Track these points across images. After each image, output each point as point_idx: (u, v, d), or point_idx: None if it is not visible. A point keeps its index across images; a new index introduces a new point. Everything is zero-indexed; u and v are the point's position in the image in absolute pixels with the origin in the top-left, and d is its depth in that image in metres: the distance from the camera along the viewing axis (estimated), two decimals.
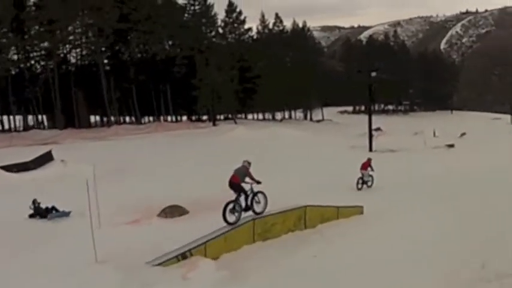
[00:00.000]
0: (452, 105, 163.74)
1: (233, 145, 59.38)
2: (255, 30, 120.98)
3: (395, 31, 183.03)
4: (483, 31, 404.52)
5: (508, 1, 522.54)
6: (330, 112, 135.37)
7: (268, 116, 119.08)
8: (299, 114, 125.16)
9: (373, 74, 65.09)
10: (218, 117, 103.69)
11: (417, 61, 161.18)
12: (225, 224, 19.99)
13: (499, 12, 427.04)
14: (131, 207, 28.13)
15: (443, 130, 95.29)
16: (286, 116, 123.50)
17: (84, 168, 34.10)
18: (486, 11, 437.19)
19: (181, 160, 48.44)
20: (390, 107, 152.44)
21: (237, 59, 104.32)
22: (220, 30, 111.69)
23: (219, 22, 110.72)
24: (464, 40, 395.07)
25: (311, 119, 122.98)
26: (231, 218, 19.51)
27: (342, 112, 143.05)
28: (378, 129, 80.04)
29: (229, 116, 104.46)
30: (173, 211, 27.50)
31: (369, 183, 33.53)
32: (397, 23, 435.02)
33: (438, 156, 57.27)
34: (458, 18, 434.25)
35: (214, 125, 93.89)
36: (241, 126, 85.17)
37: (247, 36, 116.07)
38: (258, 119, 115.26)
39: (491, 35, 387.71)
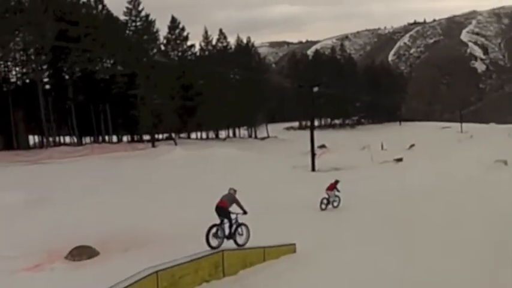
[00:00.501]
0: (400, 116, 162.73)
1: (167, 169, 56.69)
2: (198, 47, 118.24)
3: (341, 44, 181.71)
4: (431, 41, 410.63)
5: (455, 10, 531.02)
6: (276, 128, 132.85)
7: (212, 134, 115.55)
8: (243, 131, 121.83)
9: (315, 89, 62.16)
10: (161, 136, 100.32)
11: (364, 74, 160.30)
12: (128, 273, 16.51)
13: (446, 21, 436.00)
14: (39, 247, 24.55)
15: (392, 142, 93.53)
16: (231, 134, 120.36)
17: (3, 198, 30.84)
18: (434, 20, 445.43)
19: (109, 186, 44.54)
20: (337, 122, 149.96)
21: (179, 77, 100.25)
22: (163, 47, 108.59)
23: (162, 39, 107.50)
24: (412, 51, 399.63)
25: (255, 137, 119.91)
26: (214, 242, 18.79)
27: (288, 128, 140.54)
28: (322, 146, 77.48)
29: (171, 135, 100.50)
30: (81, 253, 23.91)
31: (335, 204, 33.38)
32: (345, 37, 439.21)
33: (385, 173, 54.70)
34: (406, 29, 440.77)
35: (153, 146, 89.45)
36: (179, 147, 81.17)
37: (190, 53, 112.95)
38: (201, 138, 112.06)
39: (439, 45, 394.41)
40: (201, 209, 29.30)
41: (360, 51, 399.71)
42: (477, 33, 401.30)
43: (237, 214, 19.66)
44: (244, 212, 19.63)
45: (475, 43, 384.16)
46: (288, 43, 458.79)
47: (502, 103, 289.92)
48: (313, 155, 58.16)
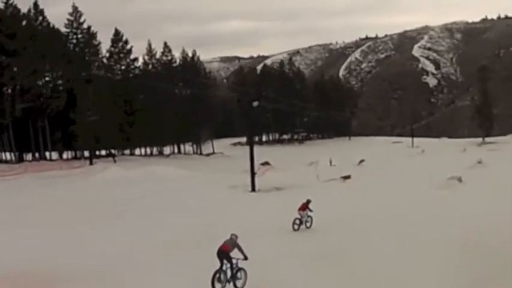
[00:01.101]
0: (350, 131, 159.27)
1: (98, 191, 51.78)
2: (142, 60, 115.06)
3: (290, 58, 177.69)
4: (383, 56, 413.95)
5: (407, 26, 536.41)
6: (223, 144, 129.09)
7: (156, 151, 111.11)
8: (189, 148, 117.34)
9: (255, 103, 57.02)
10: (103, 153, 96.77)
11: (313, 88, 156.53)
12: None
13: (398, 36, 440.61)
14: None
15: (341, 158, 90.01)
16: (177, 150, 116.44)
17: None
18: (386, 36, 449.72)
19: (32, 211, 39.80)
20: (286, 137, 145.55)
21: (121, 92, 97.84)
22: (105, 61, 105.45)
23: (104, 52, 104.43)
24: (363, 66, 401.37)
25: (200, 153, 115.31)
26: (218, 286, 19.11)
27: (235, 144, 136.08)
28: (266, 163, 72.57)
29: (112, 152, 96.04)
30: None
31: (308, 224, 31.87)
32: (297, 52, 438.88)
33: (330, 193, 50.33)
34: (357, 44, 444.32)
35: (91, 163, 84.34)
36: (115, 166, 76.41)
37: (133, 67, 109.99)
38: (145, 155, 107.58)
39: (390, 60, 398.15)
40: (123, 239, 28.19)
41: (311, 66, 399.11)
42: (429, 48, 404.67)
43: (237, 259, 19.81)
44: (245, 258, 19.81)
45: (427, 58, 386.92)
46: (239, 58, 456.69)
47: (454, 117, 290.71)
48: (253, 174, 53.18)
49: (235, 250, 19.77)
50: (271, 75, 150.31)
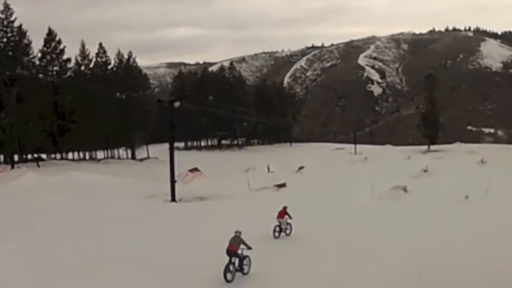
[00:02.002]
0: (291, 137, 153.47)
1: (7, 200, 45.50)
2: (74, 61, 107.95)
3: (231, 63, 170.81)
4: (328, 64, 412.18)
5: (354, 36, 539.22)
6: (160, 149, 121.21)
7: (88, 155, 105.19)
8: (123, 152, 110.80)
9: (177, 104, 50.63)
10: (29, 157, 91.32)
11: (255, 94, 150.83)
12: None
13: (345, 45, 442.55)
14: None
15: (280, 165, 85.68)
16: (110, 154, 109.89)
17: None
18: (332, 45, 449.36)
19: None
20: (225, 142, 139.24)
21: (51, 93, 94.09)
22: (37, 61, 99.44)
23: (36, 52, 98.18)
24: (308, 74, 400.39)
25: (134, 158, 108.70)
26: (229, 277, 21.24)
27: None
28: (194, 169, 65.91)
29: (35, 156, 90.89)
30: None
31: (287, 232, 30.87)
32: (242, 59, 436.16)
33: (258, 203, 44.79)
34: (303, 52, 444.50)
35: (12, 167, 79.23)
36: (35, 171, 69.87)
37: (66, 67, 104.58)
38: (75, 159, 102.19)
39: (336, 68, 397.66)
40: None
41: (257, 73, 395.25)
42: (375, 58, 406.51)
43: (242, 249, 21.98)
44: (249, 248, 22.12)
45: (373, 67, 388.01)
46: (185, 64, 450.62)
47: (398, 126, 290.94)
48: (173, 182, 46.78)
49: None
50: (211, 80, 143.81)
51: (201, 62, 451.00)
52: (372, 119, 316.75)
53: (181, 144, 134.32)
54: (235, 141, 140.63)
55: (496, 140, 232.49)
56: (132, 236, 29.61)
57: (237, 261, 21.80)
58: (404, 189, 52.17)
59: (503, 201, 43.50)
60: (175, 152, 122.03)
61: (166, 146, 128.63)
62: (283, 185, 56.89)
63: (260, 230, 29.05)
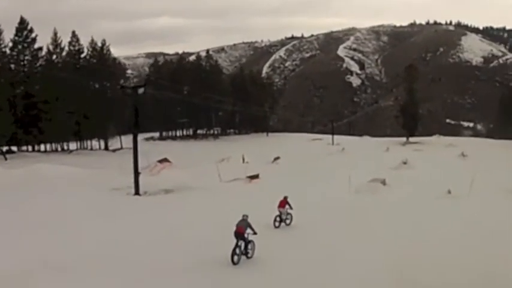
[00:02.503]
0: (268, 127, 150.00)
1: None
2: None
3: (207, 51, 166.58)
4: (307, 55, 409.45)
5: (334, 27, 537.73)
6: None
7: (60, 146, 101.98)
8: (96, 143, 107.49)
9: (141, 90, 46.83)
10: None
11: (231, 83, 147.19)
12: None
13: (324, 36, 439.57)
14: None
15: (256, 155, 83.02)
16: (84, 145, 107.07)
17: None
18: (312, 35, 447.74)
19: None
20: (200, 132, 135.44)
21: (20, 83, 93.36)
22: (8, 51, 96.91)
23: (7, 41, 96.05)
24: (287, 64, 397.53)
25: (107, 149, 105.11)
26: (236, 259, 22.19)
27: (147, 139, 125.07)
28: (164, 160, 62.33)
29: (8, 148, 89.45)
30: None
31: (288, 222, 30.52)
32: (222, 49, 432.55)
33: (227, 195, 42.51)
34: (283, 43, 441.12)
35: None
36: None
37: (37, 57, 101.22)
38: (48, 151, 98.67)
39: (315, 59, 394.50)
40: None
41: (235, 63, 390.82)
42: (354, 49, 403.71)
43: (248, 234, 22.79)
44: (255, 233, 22.90)
45: (352, 58, 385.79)
46: (164, 54, 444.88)
47: (376, 117, 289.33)
48: (136, 174, 43.35)
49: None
50: (188, 69, 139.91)
51: (180, 51, 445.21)
52: (350, 110, 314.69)
53: (157, 134, 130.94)
54: (211, 131, 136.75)
55: (475, 133, 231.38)
56: (66, 238, 26.44)
57: (243, 244, 22.77)
58: (383, 182, 49.54)
59: (487, 198, 41.07)
60: (149, 143, 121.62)
61: (142, 136, 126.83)
62: (255, 177, 54.05)
63: (222, 226, 26.02)
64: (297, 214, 30.17)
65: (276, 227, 29.54)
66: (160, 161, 59.85)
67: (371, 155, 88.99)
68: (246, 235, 22.61)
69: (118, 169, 59.84)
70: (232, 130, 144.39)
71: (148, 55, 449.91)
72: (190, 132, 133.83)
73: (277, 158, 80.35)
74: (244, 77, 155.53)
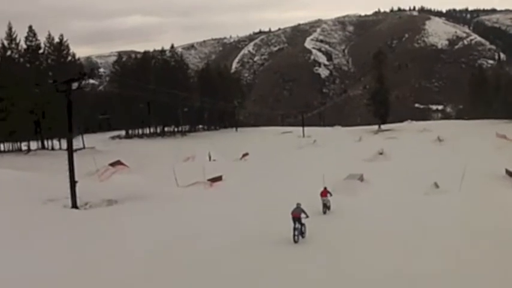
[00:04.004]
0: (237, 122, 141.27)
1: None
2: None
3: (172, 46, 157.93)
4: (275, 49, 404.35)
5: (301, 20, 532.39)
6: (103, 138, 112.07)
7: (18, 146, 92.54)
8: (57, 142, 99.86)
9: (75, 85, 38.69)
10: None
11: (198, 79, 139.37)
12: None
13: (291, 29, 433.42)
14: None
15: (224, 151, 78.92)
16: (45, 145, 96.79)
17: None
18: (279, 29, 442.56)
19: None
20: (168, 129, 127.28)
21: None
22: None
23: None
24: (256, 58, 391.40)
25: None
26: (296, 239, 24.43)
27: (113, 137, 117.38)
28: (116, 163, 54.88)
29: None
30: None
31: (329, 207, 32.20)
32: (191, 46, 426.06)
33: (182, 209, 34.32)
34: (251, 38, 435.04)
35: None
36: None
37: None
38: (5, 151, 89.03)
39: (283, 52, 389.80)
40: None
41: (205, 60, 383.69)
42: (321, 41, 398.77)
43: (302, 218, 24.76)
44: (307, 216, 24.88)
45: (319, 50, 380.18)
46: (135, 52, 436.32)
47: (346, 107, 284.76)
48: (73, 184, 35.46)
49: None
50: (152, 65, 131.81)
51: (151, 50, 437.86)
52: (319, 101, 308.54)
53: (123, 133, 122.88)
54: (179, 128, 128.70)
55: (445, 116, 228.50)
56: None
57: (299, 226, 24.78)
58: (361, 178, 42.88)
59: (482, 191, 34.37)
60: (114, 141, 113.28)
61: (108, 134, 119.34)
62: (218, 179, 46.81)
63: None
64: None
65: (324, 213, 31.65)
66: (113, 164, 52.31)
67: (344, 146, 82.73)
68: (302, 219, 24.70)
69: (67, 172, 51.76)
70: (200, 126, 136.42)
71: (120, 53, 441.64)
72: (158, 130, 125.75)
73: (245, 155, 74.81)
74: (211, 72, 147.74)
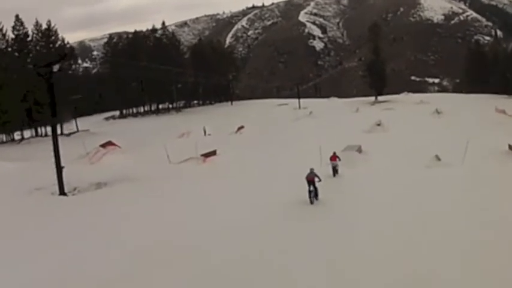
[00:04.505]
0: (232, 96, 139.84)
1: None
2: None
3: (163, 23, 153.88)
4: (269, 23, 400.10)
5: None
6: (97, 120, 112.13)
7: (10, 136, 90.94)
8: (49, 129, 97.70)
9: (56, 67, 35.77)
10: None
11: (191, 55, 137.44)
12: None
13: (285, 4, 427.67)
14: None
15: (220, 126, 76.21)
16: (39, 132, 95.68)
17: None
18: (272, 4, 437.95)
19: None
20: (162, 106, 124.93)
21: None
22: None
23: None
24: (250, 33, 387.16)
25: (61, 133, 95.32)
26: (311, 200, 26.00)
27: (107, 118, 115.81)
28: (108, 144, 52.36)
29: None
30: None
31: (338, 171, 34.09)
32: (184, 23, 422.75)
33: (174, 185, 32.76)
34: (244, 13, 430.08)
35: None
36: None
37: None
38: None
39: (276, 26, 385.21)
40: None
41: (198, 37, 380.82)
42: (315, 14, 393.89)
43: (316, 181, 26.09)
44: (320, 180, 26.17)
45: (313, 23, 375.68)
46: (127, 33, 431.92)
47: (342, 79, 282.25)
48: (59, 170, 33.31)
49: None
50: (144, 43, 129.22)
51: (144, 29, 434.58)
52: (315, 74, 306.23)
53: (117, 113, 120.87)
54: (174, 105, 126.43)
55: (442, 89, 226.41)
56: None
57: (313, 189, 26.11)
58: (359, 150, 41.00)
59: (485, 165, 32.63)
60: (112, 122, 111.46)
61: (102, 116, 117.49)
62: (212, 154, 44.90)
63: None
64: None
65: (334, 176, 33.22)
66: (103, 145, 50.05)
67: (341, 117, 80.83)
68: (315, 182, 25.99)
69: (64, 156, 49.56)
70: (196, 102, 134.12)
71: (112, 35, 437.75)
72: (152, 108, 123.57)
73: (240, 128, 72.80)
74: (204, 47, 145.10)
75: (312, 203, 25.92)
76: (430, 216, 22.00)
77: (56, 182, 33.48)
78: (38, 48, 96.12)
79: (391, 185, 28.86)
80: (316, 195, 26.36)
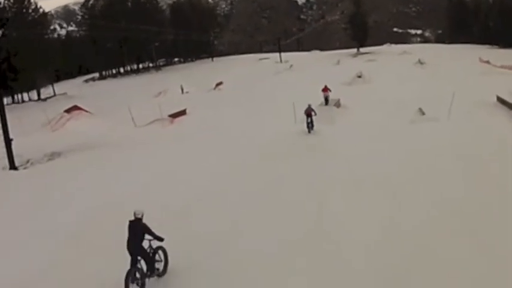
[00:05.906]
0: (213, 52, 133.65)
1: None
2: None
3: None
4: None
5: None
6: (77, 83, 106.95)
7: None
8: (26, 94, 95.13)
9: None
10: None
11: (171, 13, 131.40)
12: None
13: None
14: None
15: (198, 82, 72.28)
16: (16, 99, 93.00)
17: None
18: None
19: None
20: (143, 65, 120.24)
21: None
22: None
23: None
24: None
25: (38, 99, 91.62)
26: (309, 130, 29.21)
27: (87, 81, 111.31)
28: (74, 108, 48.11)
29: None
30: None
31: (328, 101, 36.03)
32: None
33: (134, 158, 28.04)
34: None
35: None
36: None
37: None
38: None
39: None
40: None
41: None
42: None
43: (313, 115, 29.48)
44: (315, 114, 29.52)
45: None
46: None
47: (325, 32, 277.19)
48: (8, 142, 29.41)
49: None
50: (122, 3, 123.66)
51: None
52: (298, 28, 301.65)
53: (96, 75, 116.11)
54: (154, 63, 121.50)
55: (425, 40, 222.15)
56: None
57: (310, 121, 29.02)
58: (337, 104, 37.26)
59: (473, 119, 29.06)
60: (91, 83, 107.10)
61: (81, 78, 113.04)
62: (181, 113, 40.96)
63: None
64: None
65: (326, 105, 35.31)
66: (68, 110, 45.84)
67: (321, 70, 75.99)
68: (312, 115, 28.85)
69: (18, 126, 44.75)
70: (177, 59, 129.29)
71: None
72: (132, 67, 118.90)
73: (219, 84, 69.19)
74: (183, 4, 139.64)
75: (309, 132, 28.86)
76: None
77: (17, 151, 30.19)
78: (9, 14, 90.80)
79: (370, 143, 24.67)
80: (312, 126, 29.12)
